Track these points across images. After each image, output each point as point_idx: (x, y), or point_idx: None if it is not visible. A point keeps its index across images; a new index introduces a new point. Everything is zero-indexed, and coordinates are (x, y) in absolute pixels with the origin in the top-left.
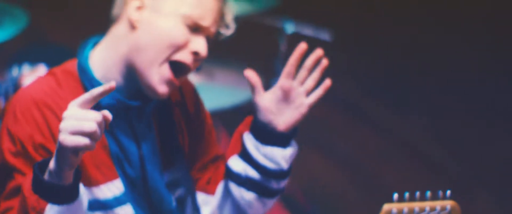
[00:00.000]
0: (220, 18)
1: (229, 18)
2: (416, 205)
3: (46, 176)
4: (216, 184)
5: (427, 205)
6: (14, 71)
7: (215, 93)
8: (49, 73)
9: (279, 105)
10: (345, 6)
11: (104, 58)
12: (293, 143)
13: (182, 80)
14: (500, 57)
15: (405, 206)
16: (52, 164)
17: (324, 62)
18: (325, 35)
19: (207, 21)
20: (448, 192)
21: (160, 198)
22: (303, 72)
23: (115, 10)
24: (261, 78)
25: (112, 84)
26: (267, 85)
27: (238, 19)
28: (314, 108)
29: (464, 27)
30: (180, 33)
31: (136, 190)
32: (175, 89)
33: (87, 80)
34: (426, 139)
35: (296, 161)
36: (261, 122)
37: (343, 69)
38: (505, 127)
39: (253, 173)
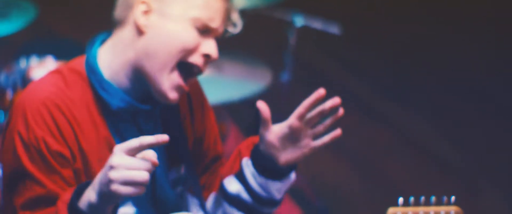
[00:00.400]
0: (227, 17)
1: (236, 16)
2: (421, 210)
3: (83, 206)
4: (209, 190)
5: (432, 210)
6: (22, 63)
7: (224, 86)
8: (55, 72)
9: (284, 142)
10: (351, 2)
11: (111, 60)
12: (290, 175)
13: (191, 83)
14: (504, 55)
15: (409, 210)
16: (93, 199)
17: (340, 111)
18: (334, 29)
19: (216, 23)
20: (453, 198)
21: (165, 197)
22: (315, 116)
23: (118, 13)
24: (270, 71)
25: (165, 137)
26: (277, 79)
27: (247, 12)
28: (323, 101)
29: (466, 25)
30: (190, 37)
31: None
32: (185, 93)
33: (96, 81)
34: (433, 136)
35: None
36: (262, 153)
37: (353, 65)
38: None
39: (246, 197)
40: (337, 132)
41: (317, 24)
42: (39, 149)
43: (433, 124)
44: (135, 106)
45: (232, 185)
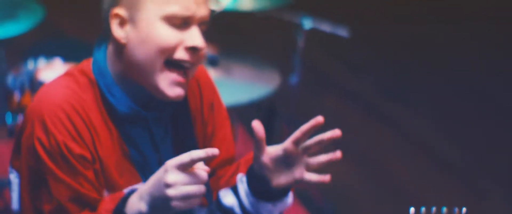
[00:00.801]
0: None
1: None
2: None
3: None
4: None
5: None
6: (30, 65)
7: (232, 88)
8: (67, 74)
9: (277, 165)
10: (358, 5)
11: (111, 67)
12: (285, 198)
13: (192, 75)
14: (504, 55)
15: None
16: (144, 210)
17: (338, 154)
18: (342, 32)
19: (192, 10)
20: (464, 209)
21: None
22: (313, 145)
23: (103, 27)
24: (279, 74)
25: (215, 151)
26: (285, 82)
27: (256, 15)
28: (331, 103)
29: (466, 25)
30: (166, 36)
31: None
32: (186, 87)
33: (104, 85)
34: (439, 137)
35: None
36: (256, 173)
37: (360, 66)
38: None
39: (238, 211)
40: (326, 178)
41: (325, 27)
42: (62, 153)
43: (440, 125)
44: (140, 112)
45: (228, 198)
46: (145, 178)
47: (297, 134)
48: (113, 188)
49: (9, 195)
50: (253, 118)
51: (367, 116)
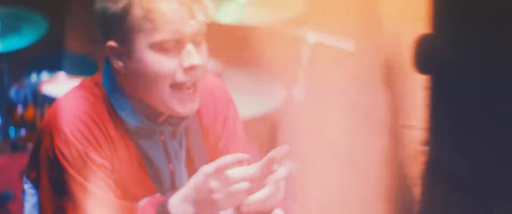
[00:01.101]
0: (195, 9)
1: (201, 3)
2: None
3: None
4: None
5: None
6: (33, 78)
7: (237, 103)
8: (81, 86)
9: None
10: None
11: (119, 84)
12: None
13: (200, 85)
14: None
15: None
16: (191, 212)
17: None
18: (348, 45)
19: (181, 30)
20: None
21: None
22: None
23: (105, 53)
24: (284, 88)
25: (240, 157)
26: (290, 96)
27: (261, 29)
28: (336, 118)
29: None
30: (162, 65)
31: None
32: (197, 98)
33: (115, 100)
34: (447, 150)
35: (315, 171)
36: None
37: (365, 80)
38: None
39: None
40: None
41: (330, 41)
42: (85, 163)
43: (447, 137)
44: (153, 126)
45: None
46: (159, 189)
47: (265, 160)
48: (129, 197)
49: (12, 207)
50: (258, 132)
51: (373, 130)
